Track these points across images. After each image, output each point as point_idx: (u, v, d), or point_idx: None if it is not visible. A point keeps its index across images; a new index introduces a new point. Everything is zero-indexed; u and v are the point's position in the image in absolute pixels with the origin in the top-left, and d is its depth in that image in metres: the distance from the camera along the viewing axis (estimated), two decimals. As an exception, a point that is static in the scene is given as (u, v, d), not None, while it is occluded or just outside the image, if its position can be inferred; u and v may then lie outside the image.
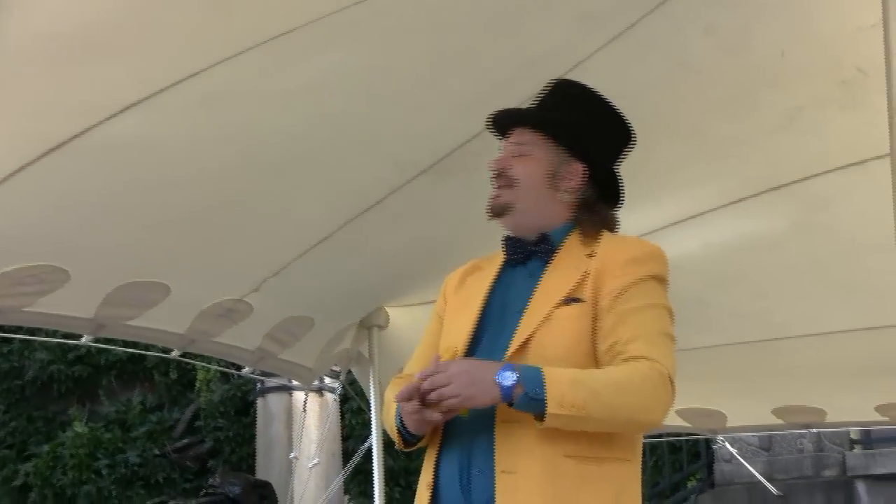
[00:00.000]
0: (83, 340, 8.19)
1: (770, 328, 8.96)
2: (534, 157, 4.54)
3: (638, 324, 4.26)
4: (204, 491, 5.81)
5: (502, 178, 4.53)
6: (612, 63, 6.69)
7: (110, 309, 7.83)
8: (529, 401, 4.02)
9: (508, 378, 4.03)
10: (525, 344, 4.23)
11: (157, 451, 17.02)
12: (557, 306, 4.29)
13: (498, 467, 4.19)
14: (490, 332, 4.40)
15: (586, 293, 4.31)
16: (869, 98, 6.73)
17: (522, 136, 4.58)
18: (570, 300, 4.30)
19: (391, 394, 4.50)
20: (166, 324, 8.12)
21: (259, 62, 6.12)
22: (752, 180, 7.89)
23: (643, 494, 11.74)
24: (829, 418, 10.66)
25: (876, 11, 6.36)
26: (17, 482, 17.48)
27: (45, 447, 17.44)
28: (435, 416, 4.14)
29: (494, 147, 4.80)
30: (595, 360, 4.29)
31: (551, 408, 3.99)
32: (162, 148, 6.54)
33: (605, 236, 4.51)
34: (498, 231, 4.69)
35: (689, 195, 8.02)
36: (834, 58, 6.95)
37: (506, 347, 4.26)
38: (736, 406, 10.55)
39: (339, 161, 6.51)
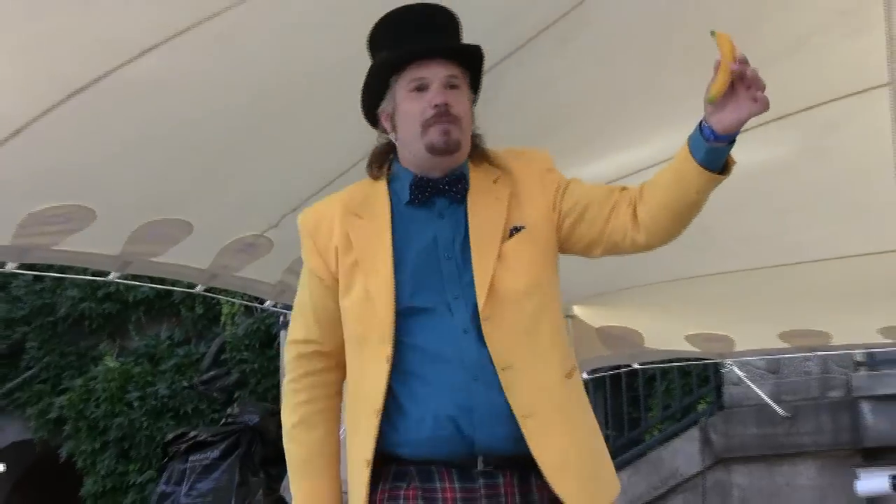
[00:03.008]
0: (111, 277, 8.19)
1: (776, 254, 8.94)
2: (462, 92, 4.42)
3: (584, 185, 4.47)
4: (224, 420, 5.80)
5: (450, 115, 4.33)
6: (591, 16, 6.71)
7: (136, 246, 7.83)
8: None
9: None
10: (491, 288, 4.20)
11: (185, 384, 17.05)
12: (503, 240, 4.29)
13: (519, 412, 4.18)
14: (429, 279, 4.31)
15: (524, 217, 4.35)
16: (869, 28, 6.70)
17: (451, 69, 4.39)
18: (513, 230, 4.31)
19: (297, 370, 4.50)
20: (190, 259, 8.13)
21: (270, 1, 6.11)
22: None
23: (655, 417, 11.77)
24: (834, 341, 10.67)
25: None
26: (53, 415, 17.56)
27: (78, 381, 17.48)
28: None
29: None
30: (555, 282, 4.42)
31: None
32: (180, 89, 6.52)
33: (494, 155, 4.49)
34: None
35: (665, 134, 7.99)
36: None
37: (470, 298, 4.24)
38: (743, 331, 10.56)
39: (355, 97, 6.50)
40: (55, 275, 8.07)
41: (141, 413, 16.89)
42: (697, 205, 4.37)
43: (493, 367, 4.19)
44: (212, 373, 17.01)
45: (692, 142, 4.13)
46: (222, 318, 16.20)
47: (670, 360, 11.30)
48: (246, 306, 9.86)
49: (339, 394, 4.51)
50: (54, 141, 6.70)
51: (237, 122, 6.95)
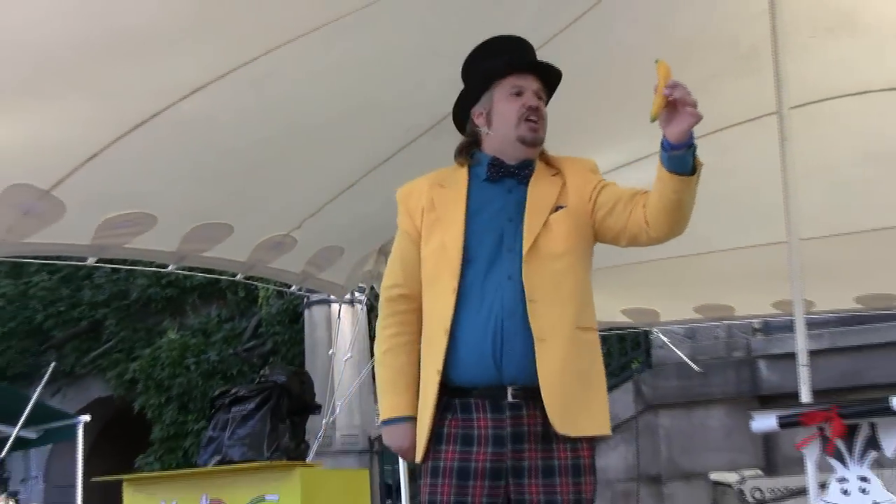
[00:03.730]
0: (170, 269, 8.22)
1: (691, 246, 8.96)
2: (543, 104, 4.61)
3: (616, 187, 4.53)
4: (258, 380, 5.81)
5: (542, 118, 4.57)
6: (571, 43, 6.69)
7: (189, 245, 7.85)
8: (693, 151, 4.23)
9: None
10: (534, 245, 4.32)
11: (230, 352, 17.09)
12: (550, 213, 4.40)
13: (536, 335, 4.24)
14: (489, 236, 4.42)
15: (567, 201, 4.44)
16: (761, 68, 6.72)
17: (537, 84, 4.61)
18: (558, 208, 4.41)
19: (386, 310, 4.59)
20: (231, 254, 8.17)
21: (293, 52, 6.10)
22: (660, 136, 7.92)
23: (606, 370, 11.69)
24: (737, 313, 10.70)
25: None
26: (128, 377, 17.59)
27: (147, 350, 17.51)
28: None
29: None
30: (586, 255, 4.56)
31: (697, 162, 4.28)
32: (221, 121, 6.54)
33: (554, 159, 4.63)
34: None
35: (629, 146, 8.02)
36: (733, 37, 6.96)
37: (518, 250, 4.34)
38: (667, 306, 10.59)
39: (360, 126, 6.48)
40: (127, 267, 8.04)
41: (196, 375, 16.95)
42: (681, 203, 4.35)
43: (525, 304, 4.28)
44: (251, 343, 17.08)
45: (660, 154, 4.19)
46: (259, 300, 16.23)
47: (610, 329, 11.31)
48: (277, 290, 9.88)
49: (418, 332, 4.55)
50: (123, 162, 6.70)
51: (268, 147, 6.97)
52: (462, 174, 4.63)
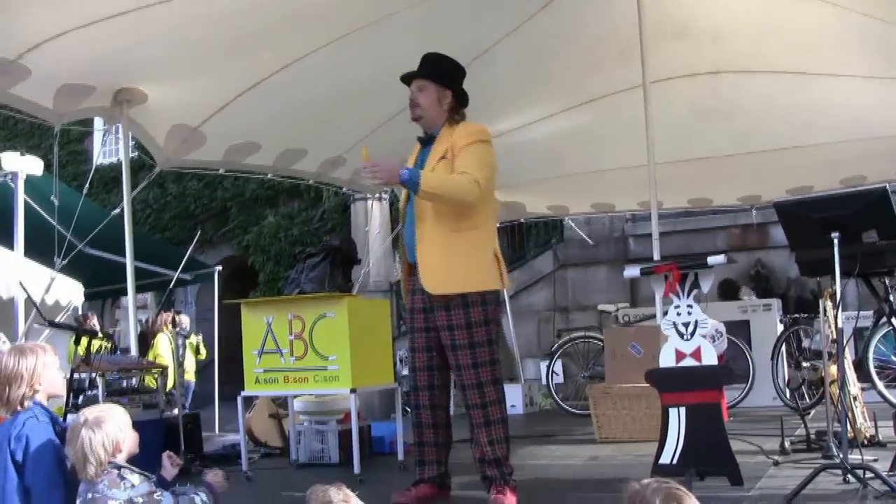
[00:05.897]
0: (269, 176, 8.20)
1: (591, 164, 8.97)
2: (427, 91, 4.41)
3: (467, 158, 4.24)
4: (323, 243, 5.84)
5: (414, 103, 4.43)
6: (513, 46, 6.70)
7: (280, 161, 7.87)
8: (412, 181, 4.12)
9: (405, 172, 4.13)
10: (424, 182, 4.15)
11: (306, 229, 17.08)
12: (438, 161, 4.27)
13: (416, 238, 4.28)
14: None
15: (448, 154, 4.27)
16: (633, 56, 6.70)
17: (419, 82, 4.43)
18: (441, 158, 4.27)
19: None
20: (307, 167, 8.18)
21: (340, 46, 6.09)
22: (575, 99, 7.93)
23: (531, 245, 11.33)
24: (617, 208, 10.72)
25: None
26: (244, 244, 17.62)
27: (255, 228, 17.52)
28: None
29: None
30: None
31: (422, 184, 4.11)
32: (299, 84, 6.52)
33: (461, 124, 4.40)
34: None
35: (541, 108, 8.01)
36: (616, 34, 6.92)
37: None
38: (574, 202, 10.55)
39: (376, 91, 6.38)
40: (243, 174, 8.00)
41: (285, 243, 16.99)
42: (436, 200, 4.22)
43: (416, 220, 4.30)
44: (318, 224, 17.06)
45: None
46: (324, 196, 16.15)
47: (539, 217, 11.27)
48: (335, 191, 9.85)
49: None
50: (241, 110, 6.72)
51: (328, 101, 6.94)
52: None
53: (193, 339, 11.64)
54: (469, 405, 4.27)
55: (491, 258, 4.32)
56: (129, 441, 3.06)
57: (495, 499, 4.12)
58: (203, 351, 11.84)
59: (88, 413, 3.05)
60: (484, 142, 4.32)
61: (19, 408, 3.18)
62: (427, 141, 4.45)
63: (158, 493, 3.02)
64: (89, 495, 2.97)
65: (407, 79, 4.48)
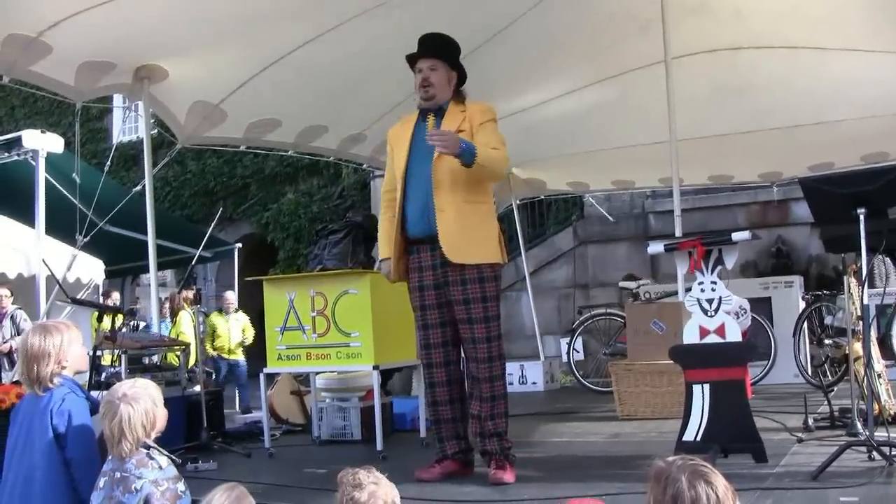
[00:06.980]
0: (289, 153, 8.20)
1: (611, 141, 8.92)
2: (439, 71, 4.43)
3: (490, 135, 4.30)
4: (344, 220, 5.85)
5: (428, 83, 4.42)
6: (534, 21, 6.64)
7: (301, 138, 7.88)
8: (470, 153, 4.11)
9: (465, 144, 4.12)
10: (440, 155, 4.23)
11: (325, 206, 17.08)
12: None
13: (437, 208, 4.25)
14: (421, 152, 4.34)
15: (465, 127, 4.30)
16: (654, 33, 6.63)
17: (429, 61, 4.45)
18: (459, 131, 4.26)
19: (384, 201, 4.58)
20: (327, 144, 8.17)
21: (362, 21, 6.08)
22: (595, 75, 7.87)
23: (551, 221, 11.30)
24: (637, 185, 10.69)
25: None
26: (264, 221, 17.61)
27: (275, 205, 17.53)
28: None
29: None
30: None
31: (478, 157, 4.12)
32: (319, 63, 6.53)
33: (468, 102, 4.46)
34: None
35: (562, 84, 7.96)
36: (636, 13, 6.84)
37: (432, 156, 4.27)
38: (594, 179, 10.53)
39: (398, 67, 6.39)
40: (264, 151, 8.02)
41: (304, 220, 16.99)
42: (481, 172, 4.24)
43: (433, 189, 4.27)
44: (338, 201, 17.04)
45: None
46: (343, 173, 16.15)
47: (559, 194, 11.24)
48: (354, 168, 9.85)
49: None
50: (262, 87, 6.73)
51: (346, 80, 6.93)
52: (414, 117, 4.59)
53: (241, 316, 11.15)
54: (478, 378, 4.29)
55: (498, 231, 4.42)
56: (161, 418, 3.03)
57: (495, 474, 4.15)
58: (250, 333, 11.08)
59: (126, 388, 3.01)
60: (496, 120, 4.42)
61: (50, 385, 3.24)
62: (435, 113, 4.45)
63: (183, 485, 2.95)
64: (117, 474, 2.92)
65: (412, 58, 4.51)
